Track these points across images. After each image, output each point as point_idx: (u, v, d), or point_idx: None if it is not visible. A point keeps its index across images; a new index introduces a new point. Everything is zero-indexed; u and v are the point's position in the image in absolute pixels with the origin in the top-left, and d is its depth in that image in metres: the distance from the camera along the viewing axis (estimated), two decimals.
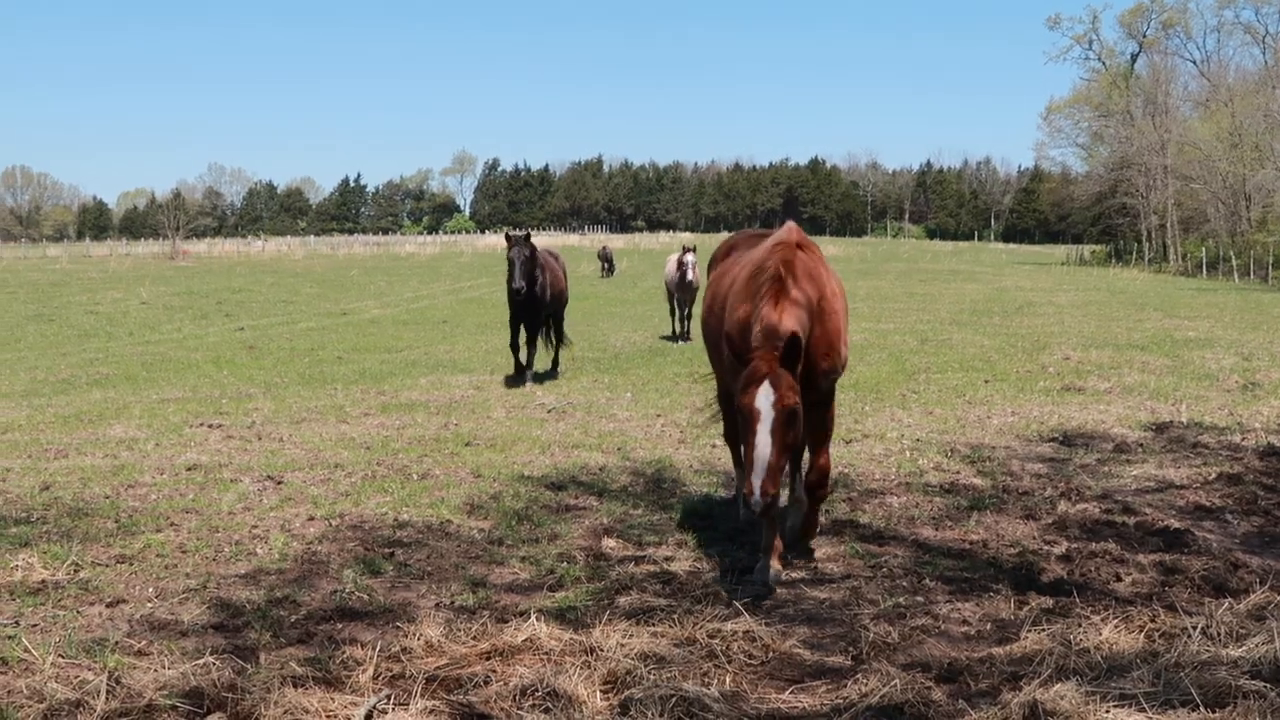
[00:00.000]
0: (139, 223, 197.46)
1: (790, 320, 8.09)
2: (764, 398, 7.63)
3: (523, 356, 20.83)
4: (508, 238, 20.61)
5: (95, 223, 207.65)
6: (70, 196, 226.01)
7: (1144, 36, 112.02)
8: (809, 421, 8.75)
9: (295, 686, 6.44)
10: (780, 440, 7.59)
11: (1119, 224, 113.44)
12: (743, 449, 7.96)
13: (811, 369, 8.54)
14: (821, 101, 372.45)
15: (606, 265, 67.84)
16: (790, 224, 9.48)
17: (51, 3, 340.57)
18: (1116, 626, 7.38)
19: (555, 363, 22.51)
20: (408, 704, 6.23)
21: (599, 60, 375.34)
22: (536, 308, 20.74)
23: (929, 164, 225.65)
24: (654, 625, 7.56)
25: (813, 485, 9.35)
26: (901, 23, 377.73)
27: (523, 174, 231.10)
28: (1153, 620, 7.47)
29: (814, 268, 8.89)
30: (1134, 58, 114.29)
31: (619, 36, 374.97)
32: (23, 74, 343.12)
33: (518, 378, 20.62)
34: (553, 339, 22.47)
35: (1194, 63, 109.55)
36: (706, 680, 6.58)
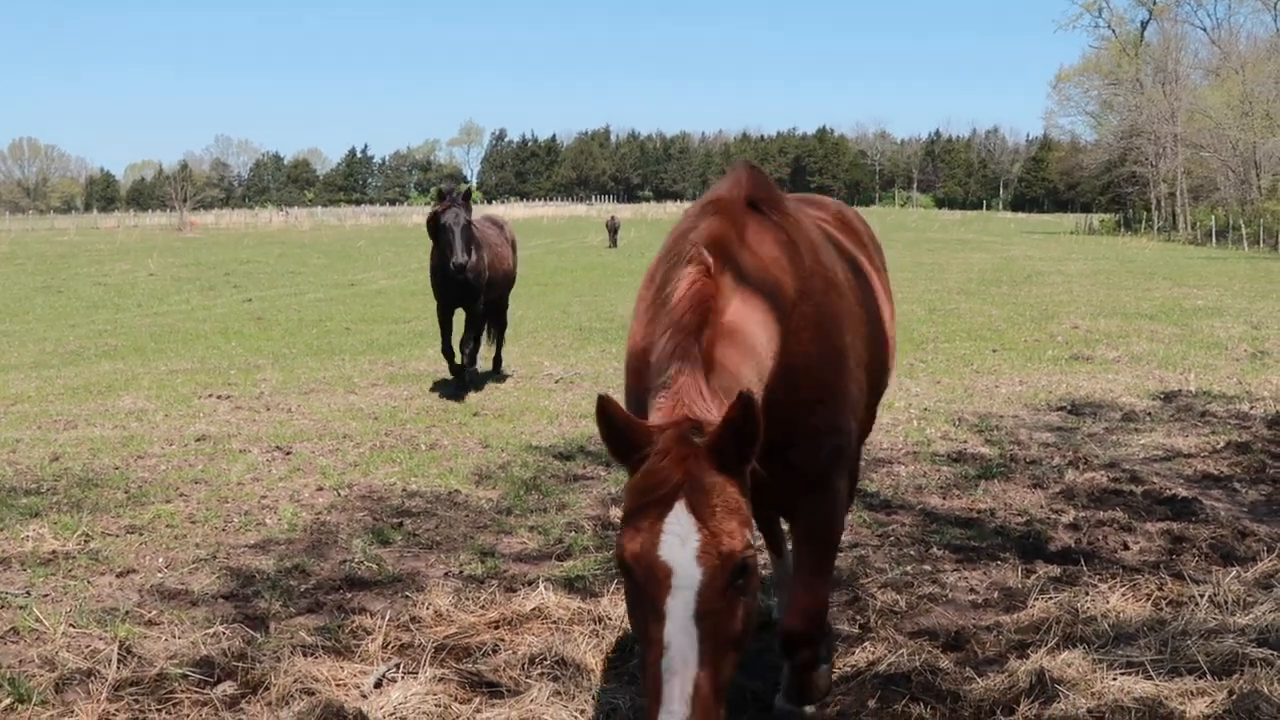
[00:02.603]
0: (146, 194, 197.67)
1: (729, 362, 4.50)
2: (675, 544, 3.89)
3: (459, 357, 16.13)
4: (440, 194, 15.98)
5: (103, 194, 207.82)
6: (78, 168, 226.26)
7: (1154, 4, 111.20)
8: (794, 523, 5.48)
9: (305, 655, 6.49)
10: (714, 635, 3.87)
11: (1128, 193, 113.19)
12: (639, 650, 4.18)
13: (788, 436, 4.87)
14: (830, 71, 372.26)
15: (613, 235, 67.83)
16: (739, 170, 5.49)
17: None
18: (1124, 595, 7.40)
19: (498, 361, 18.08)
20: (417, 673, 6.26)
21: (607, 30, 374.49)
22: (475, 291, 16.04)
23: (937, 133, 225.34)
24: None
25: (791, 637, 5.36)
26: None
27: (529, 144, 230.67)
28: (1160, 588, 7.48)
29: (779, 247, 5.09)
30: (1144, 25, 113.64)
31: (627, 6, 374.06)
32: (30, 47, 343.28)
33: (458, 383, 16.03)
34: (493, 333, 18.08)
35: (1204, 30, 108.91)
36: None
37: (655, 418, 4.24)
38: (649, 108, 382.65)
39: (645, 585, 3.89)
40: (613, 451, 4.17)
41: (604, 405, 4.12)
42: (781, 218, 5.25)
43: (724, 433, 3.98)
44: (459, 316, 16.66)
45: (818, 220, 6.10)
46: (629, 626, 4.73)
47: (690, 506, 3.91)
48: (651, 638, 3.85)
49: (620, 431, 4.11)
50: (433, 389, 16.25)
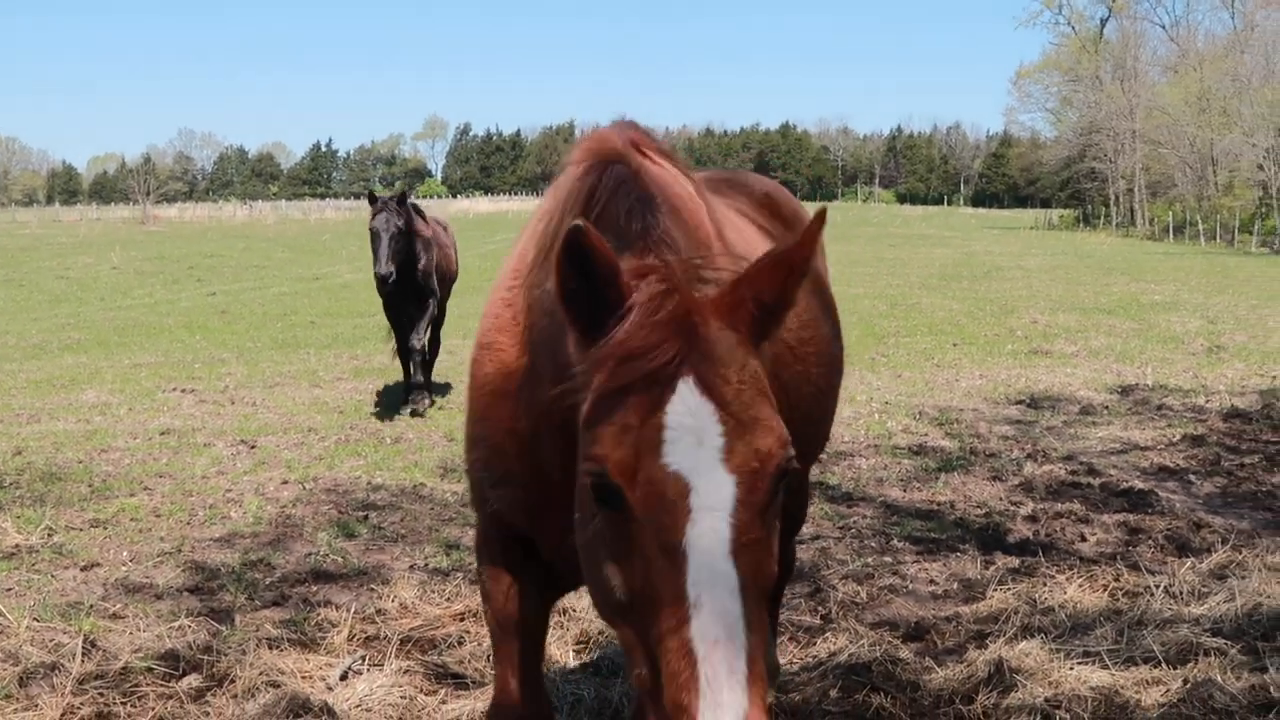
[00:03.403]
0: (109, 188, 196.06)
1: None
2: (688, 444, 2.62)
3: (412, 366, 14.67)
4: (372, 199, 14.58)
5: (65, 187, 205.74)
6: (39, 161, 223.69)
7: (1113, 1, 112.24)
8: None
9: (271, 648, 6.48)
10: (756, 579, 2.63)
11: (1087, 189, 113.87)
12: (627, 619, 2.72)
13: None
14: (793, 67, 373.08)
15: None
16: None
17: None
18: (1081, 585, 7.47)
19: (429, 368, 15.42)
20: (382, 665, 6.27)
21: (572, 25, 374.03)
22: (421, 296, 14.61)
23: (899, 129, 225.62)
24: None
25: None
26: None
27: (494, 139, 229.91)
28: (1116, 579, 7.56)
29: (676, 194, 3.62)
30: (1103, 22, 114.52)
31: (593, 1, 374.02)
32: None
33: (407, 395, 14.49)
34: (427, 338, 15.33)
35: (1163, 27, 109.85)
36: None
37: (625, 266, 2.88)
38: (614, 103, 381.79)
39: (647, 512, 2.59)
40: (574, 310, 2.80)
41: (582, 234, 2.69)
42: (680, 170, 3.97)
43: (763, 270, 2.81)
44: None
45: (734, 207, 4.99)
46: (594, 597, 2.92)
47: (703, 385, 2.65)
48: (665, 594, 2.53)
49: (597, 273, 2.74)
50: (398, 383, 16.22)
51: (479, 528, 4.20)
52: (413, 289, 14.50)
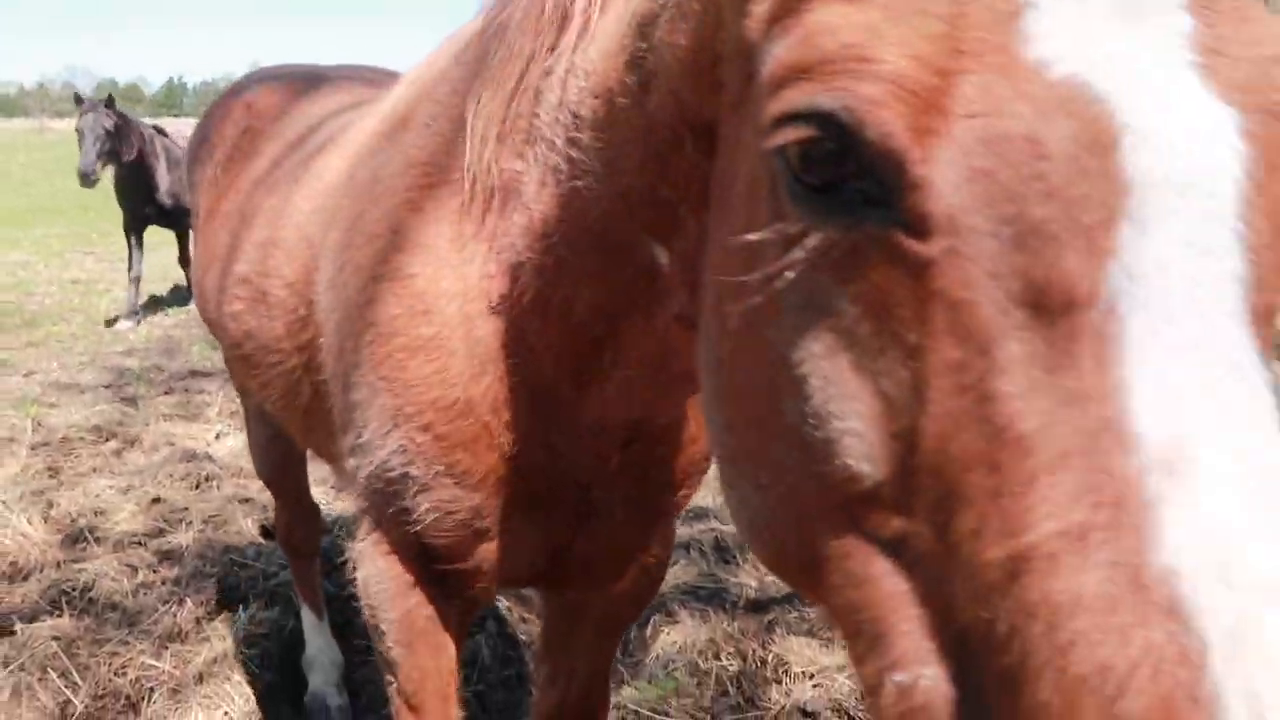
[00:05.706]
0: (12, 106, 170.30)
1: None
2: None
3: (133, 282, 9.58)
4: (78, 100, 9.95)
5: None
6: None
7: None
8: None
9: (166, 420, 6.26)
10: None
11: None
12: None
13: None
14: None
15: None
16: None
17: None
18: None
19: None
20: (243, 428, 6.17)
21: None
22: (165, 218, 9.99)
23: None
24: None
25: None
26: None
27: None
28: None
29: None
30: None
31: None
32: None
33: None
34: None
35: None
36: None
37: None
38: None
39: (994, 195, 0.50)
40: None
41: None
42: None
43: None
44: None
45: None
46: (740, 487, 0.75)
47: None
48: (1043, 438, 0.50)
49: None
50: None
51: (380, 565, 1.58)
52: (152, 207, 9.94)
